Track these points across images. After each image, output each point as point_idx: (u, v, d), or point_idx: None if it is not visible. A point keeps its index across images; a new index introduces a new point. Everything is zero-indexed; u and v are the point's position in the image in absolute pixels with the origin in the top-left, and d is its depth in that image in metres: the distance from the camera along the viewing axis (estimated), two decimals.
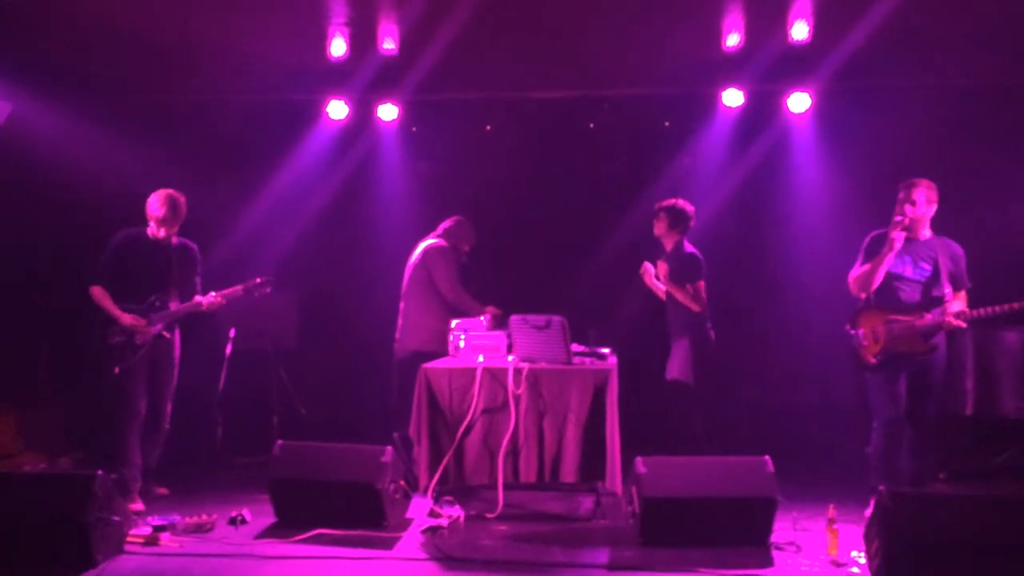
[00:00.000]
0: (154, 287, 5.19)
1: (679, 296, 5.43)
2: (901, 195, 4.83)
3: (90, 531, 3.96)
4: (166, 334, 5.21)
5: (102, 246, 5.25)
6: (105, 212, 5.95)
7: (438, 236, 6.02)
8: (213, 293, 5.27)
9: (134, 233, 5.24)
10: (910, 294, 4.82)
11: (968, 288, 4.86)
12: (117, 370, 5.07)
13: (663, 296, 5.59)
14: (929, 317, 4.73)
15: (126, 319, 5.10)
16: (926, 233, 4.88)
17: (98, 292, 5.17)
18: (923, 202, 4.78)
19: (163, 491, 5.31)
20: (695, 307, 5.40)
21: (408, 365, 5.70)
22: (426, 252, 5.94)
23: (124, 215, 5.39)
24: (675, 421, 5.41)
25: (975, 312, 4.68)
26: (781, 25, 5.66)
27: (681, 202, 5.58)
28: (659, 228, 5.60)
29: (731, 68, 6.28)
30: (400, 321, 5.98)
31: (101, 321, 5.15)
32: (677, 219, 5.54)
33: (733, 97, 6.54)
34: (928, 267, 4.82)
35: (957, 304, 4.74)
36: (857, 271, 4.92)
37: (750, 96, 6.55)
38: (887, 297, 4.85)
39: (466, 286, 5.98)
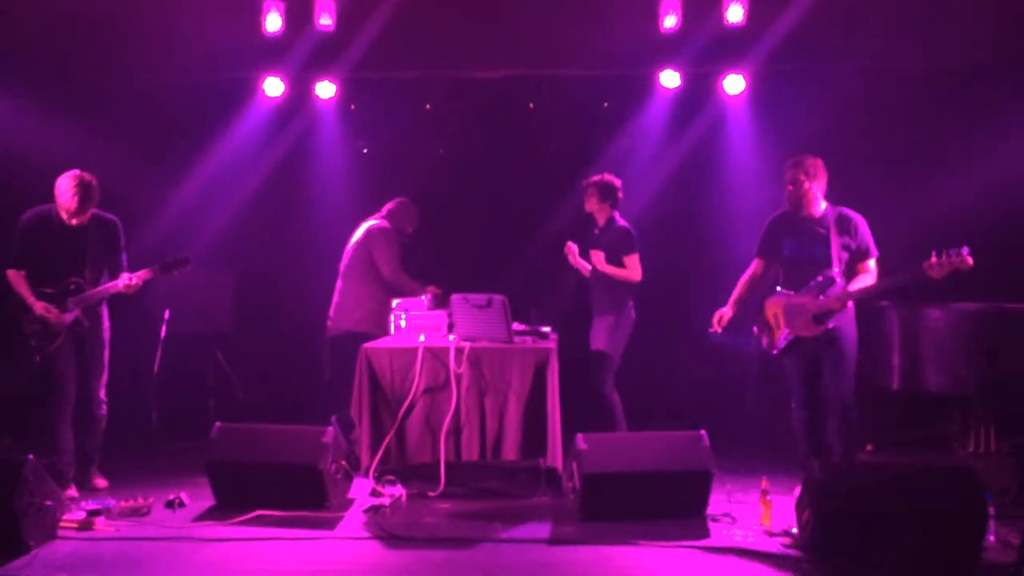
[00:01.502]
0: (70, 269, 4.96)
1: (616, 275, 5.50)
2: (786, 175, 4.86)
3: (21, 517, 3.87)
4: (83, 320, 4.99)
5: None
6: (32, 193, 5.75)
7: (381, 217, 5.97)
8: (127, 275, 5.01)
9: (44, 212, 5.00)
10: (806, 274, 4.81)
11: (876, 257, 4.81)
12: (38, 359, 4.91)
13: (587, 274, 5.67)
14: (822, 299, 4.71)
15: (38, 307, 4.90)
16: (820, 207, 4.85)
17: (12, 276, 4.97)
18: (802, 181, 4.78)
19: (102, 483, 5.11)
20: (634, 279, 5.50)
21: (340, 344, 5.69)
22: (368, 233, 5.89)
23: (50, 197, 5.20)
24: (595, 392, 5.50)
25: (855, 291, 4.69)
26: (717, 7, 5.75)
27: (608, 176, 5.67)
28: (590, 204, 5.67)
29: (668, 50, 6.36)
30: (336, 299, 5.92)
31: (16, 307, 4.96)
32: (606, 193, 5.62)
33: (670, 78, 6.61)
34: (818, 243, 4.80)
35: (856, 284, 4.72)
36: (741, 278, 5.09)
37: (687, 78, 6.63)
38: (789, 280, 4.90)
39: (407, 266, 5.96)
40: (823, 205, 4.88)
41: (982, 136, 6.22)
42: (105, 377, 5.16)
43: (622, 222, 5.62)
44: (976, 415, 5.90)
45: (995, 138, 6.18)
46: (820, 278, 4.75)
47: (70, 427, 5.01)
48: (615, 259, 5.53)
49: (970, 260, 4.31)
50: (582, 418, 5.10)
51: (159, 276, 5.10)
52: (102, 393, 5.14)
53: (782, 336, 4.87)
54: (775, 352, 4.94)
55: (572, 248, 5.68)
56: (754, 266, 5.12)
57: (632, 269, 5.51)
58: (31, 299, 4.92)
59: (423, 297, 5.61)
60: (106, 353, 5.16)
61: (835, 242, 4.77)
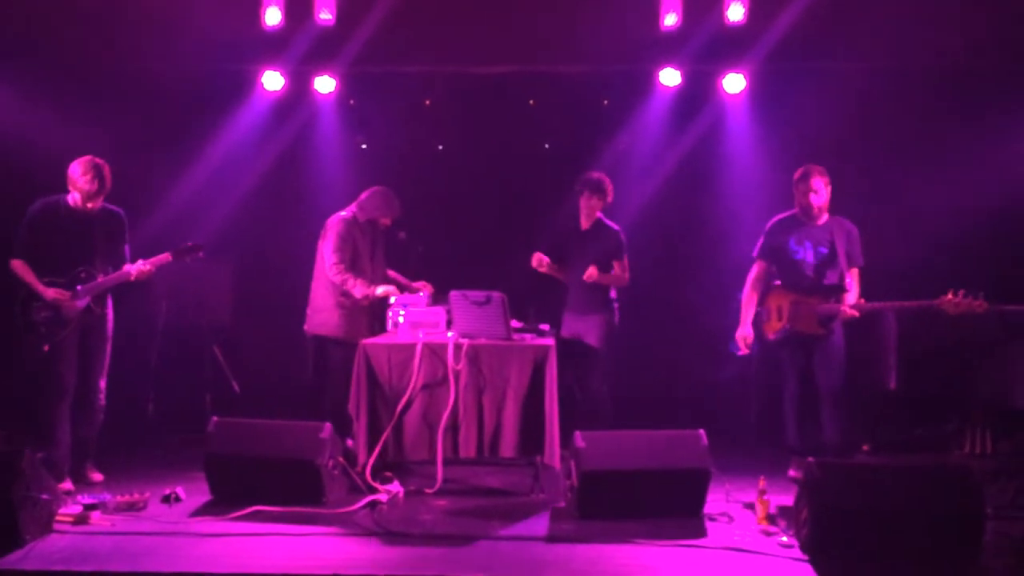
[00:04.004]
0: (79, 258, 4.98)
1: (608, 281, 5.55)
2: (801, 186, 5.05)
3: (17, 510, 3.86)
4: (95, 307, 5.02)
5: (22, 217, 5.03)
6: (28, 183, 5.73)
7: (351, 207, 5.73)
8: (141, 261, 5.03)
9: (52, 202, 5.01)
10: (812, 277, 5.09)
11: (860, 266, 5.10)
12: (47, 348, 4.90)
13: (565, 279, 5.70)
14: (828, 304, 4.99)
15: (49, 294, 4.91)
16: (824, 217, 5.12)
17: (18, 266, 4.96)
18: (822, 188, 5.03)
19: (98, 476, 5.08)
20: (625, 283, 5.60)
21: (313, 345, 5.68)
22: (324, 227, 5.71)
23: (49, 186, 5.18)
24: (590, 389, 5.54)
25: (870, 305, 4.97)
26: (717, 6, 5.75)
27: (601, 174, 5.69)
28: (591, 202, 5.64)
29: (668, 47, 6.35)
30: (310, 298, 5.79)
31: (24, 297, 4.95)
32: (602, 192, 5.64)
33: (670, 76, 6.59)
34: (825, 249, 5.08)
35: (854, 295, 4.99)
36: (747, 287, 5.26)
37: (687, 76, 6.60)
38: (793, 280, 5.13)
39: (402, 262, 5.91)
40: (825, 215, 5.13)
41: (985, 135, 6.21)
42: (106, 368, 5.15)
43: (611, 223, 5.63)
44: (973, 416, 5.91)
45: (998, 137, 6.18)
46: (830, 278, 5.02)
47: (67, 419, 4.99)
48: (607, 263, 5.55)
49: (986, 304, 4.59)
50: (575, 415, 5.11)
51: (173, 262, 5.13)
52: (102, 383, 5.13)
53: (778, 328, 5.11)
54: (771, 339, 5.17)
55: (543, 260, 5.57)
56: (756, 270, 5.29)
57: (624, 272, 5.60)
58: (39, 287, 4.91)
59: (421, 293, 5.57)
60: (109, 345, 5.15)
61: (841, 249, 5.04)
